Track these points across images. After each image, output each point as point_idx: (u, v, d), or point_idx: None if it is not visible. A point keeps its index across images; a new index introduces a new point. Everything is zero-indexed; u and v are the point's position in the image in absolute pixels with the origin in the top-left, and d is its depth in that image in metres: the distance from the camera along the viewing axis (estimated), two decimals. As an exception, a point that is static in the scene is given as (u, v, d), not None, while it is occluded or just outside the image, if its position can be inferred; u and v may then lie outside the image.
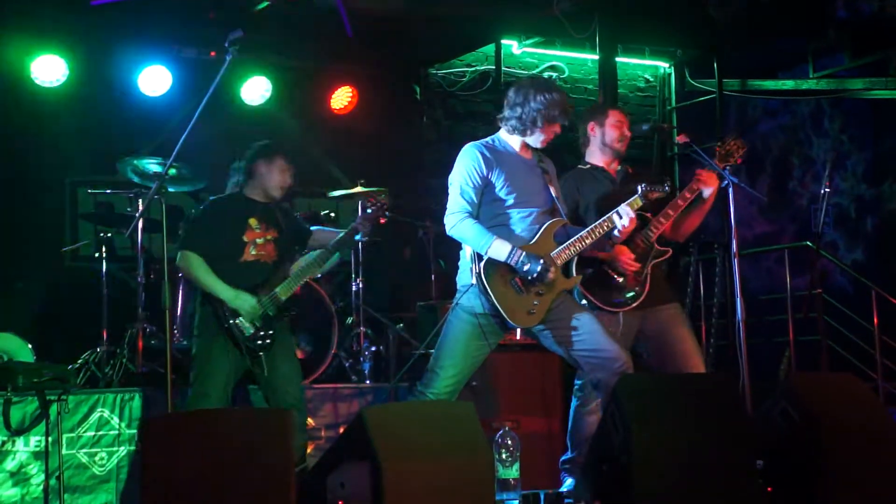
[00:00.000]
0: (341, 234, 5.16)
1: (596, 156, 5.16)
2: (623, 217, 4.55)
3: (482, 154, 4.54)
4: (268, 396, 5.00)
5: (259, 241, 5.04)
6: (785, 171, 9.25)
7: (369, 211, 5.29)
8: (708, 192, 4.94)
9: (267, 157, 5.12)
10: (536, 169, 4.67)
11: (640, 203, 4.64)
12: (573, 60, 8.75)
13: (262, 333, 4.92)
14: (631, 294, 4.93)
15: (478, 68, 8.40)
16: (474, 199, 4.51)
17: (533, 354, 5.86)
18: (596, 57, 7.76)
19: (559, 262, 4.52)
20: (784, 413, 4.25)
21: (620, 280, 4.93)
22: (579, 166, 5.20)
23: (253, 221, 5.06)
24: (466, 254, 4.55)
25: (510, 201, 4.53)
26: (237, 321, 4.87)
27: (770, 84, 8.96)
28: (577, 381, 5.07)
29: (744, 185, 5.12)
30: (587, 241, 4.58)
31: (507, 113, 4.65)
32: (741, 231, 5.20)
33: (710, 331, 7.69)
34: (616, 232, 4.60)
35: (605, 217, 4.60)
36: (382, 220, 5.50)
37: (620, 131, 5.12)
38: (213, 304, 4.92)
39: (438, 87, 8.39)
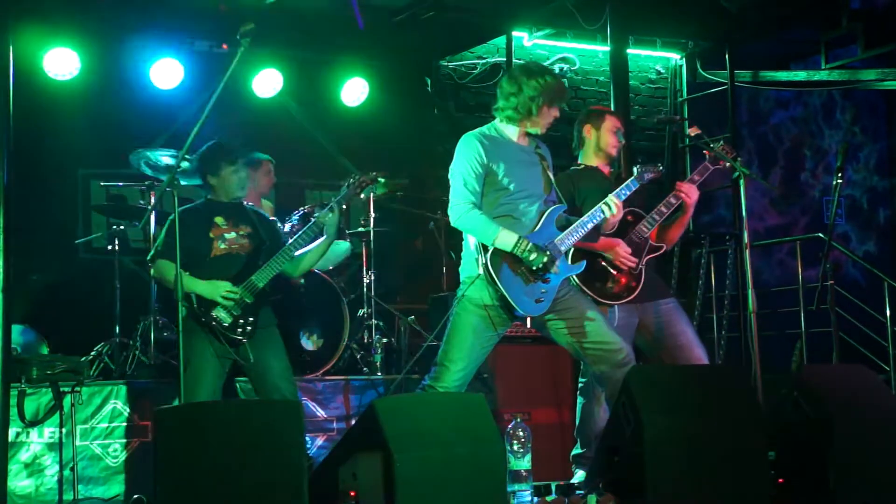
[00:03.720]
0: (316, 217, 5.08)
1: (590, 158, 5.19)
2: (609, 204, 4.58)
3: (482, 143, 4.52)
4: (256, 388, 5.00)
5: (228, 235, 5.01)
6: (797, 163, 9.23)
7: (345, 190, 5.15)
8: (688, 202, 4.98)
9: (211, 171, 5.09)
10: (534, 156, 4.66)
11: (637, 185, 4.69)
12: (584, 52, 8.74)
13: (241, 321, 4.91)
14: (626, 288, 4.95)
15: (489, 60, 8.40)
16: (477, 188, 4.49)
17: (544, 347, 5.85)
18: (607, 48, 7.73)
19: (562, 248, 4.53)
20: (796, 404, 4.25)
21: (616, 273, 4.95)
22: (573, 167, 5.22)
23: (219, 219, 5.03)
24: (471, 244, 4.54)
25: (511, 190, 4.52)
26: (213, 313, 4.87)
27: (782, 75, 8.93)
28: (582, 379, 5.10)
29: (756, 176, 5.12)
30: (588, 227, 4.61)
31: (501, 103, 4.63)
32: (752, 223, 5.21)
33: (721, 322, 7.69)
34: (608, 215, 4.63)
35: (602, 202, 4.62)
36: (362, 196, 5.39)
37: (616, 138, 5.16)
38: (190, 302, 4.92)
39: (449, 79, 8.39)
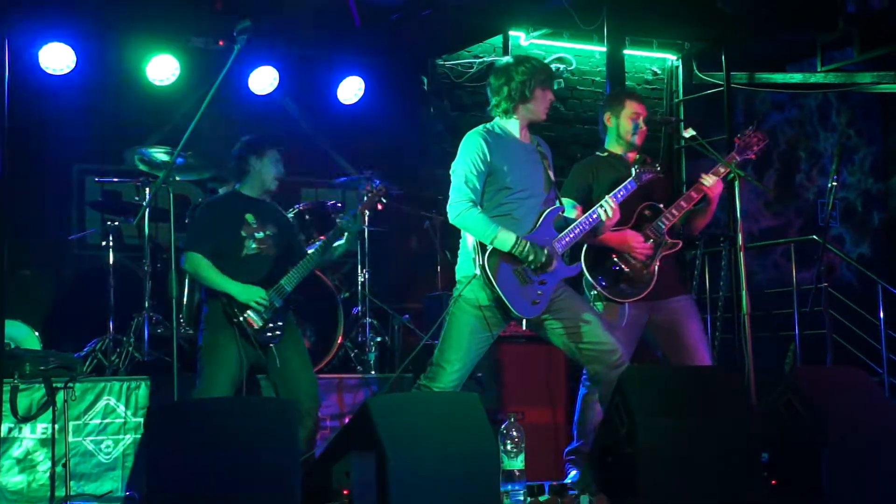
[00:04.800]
0: (338, 223, 5.19)
1: (613, 146, 5.18)
2: (605, 208, 4.57)
3: (486, 140, 4.50)
4: (279, 388, 5.03)
5: (258, 234, 5.08)
6: (792, 165, 9.23)
7: (365, 199, 5.32)
8: (711, 195, 4.96)
9: (257, 152, 5.15)
10: (535, 154, 4.65)
11: (635, 186, 4.69)
12: (581, 52, 8.74)
13: (271, 325, 4.97)
14: (639, 285, 4.93)
15: (485, 59, 8.39)
16: (478, 187, 4.47)
17: (538, 346, 5.85)
18: (604, 49, 7.74)
19: (559, 249, 4.53)
20: (789, 406, 4.26)
21: (628, 270, 4.93)
22: (597, 153, 5.21)
23: (250, 217, 5.10)
24: (468, 244, 4.53)
25: (513, 189, 4.51)
26: (246, 315, 4.91)
27: (778, 77, 8.94)
28: (586, 371, 5.08)
29: (750, 178, 5.12)
30: (586, 227, 4.60)
31: (494, 99, 4.62)
32: (747, 225, 5.21)
33: (715, 324, 7.69)
34: (604, 219, 4.61)
35: (597, 205, 4.61)
36: (380, 206, 5.51)
37: (635, 123, 5.12)
38: (221, 300, 4.95)
39: (446, 77, 8.38)
